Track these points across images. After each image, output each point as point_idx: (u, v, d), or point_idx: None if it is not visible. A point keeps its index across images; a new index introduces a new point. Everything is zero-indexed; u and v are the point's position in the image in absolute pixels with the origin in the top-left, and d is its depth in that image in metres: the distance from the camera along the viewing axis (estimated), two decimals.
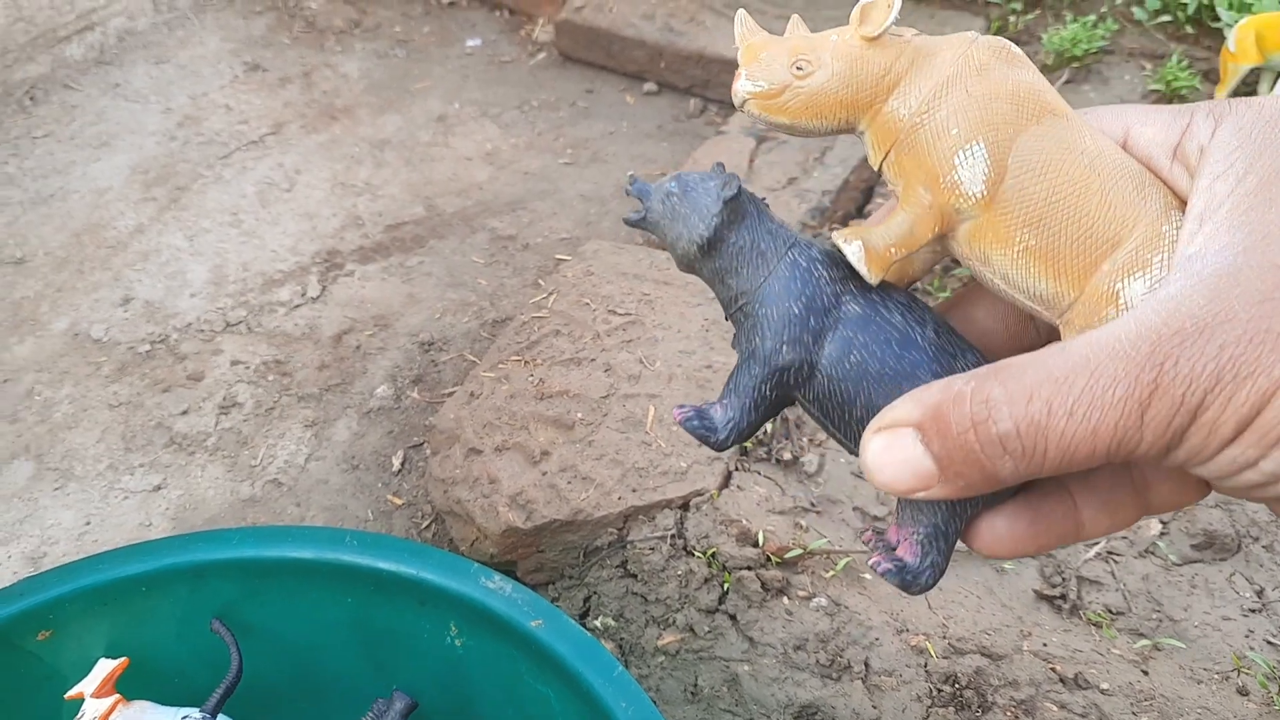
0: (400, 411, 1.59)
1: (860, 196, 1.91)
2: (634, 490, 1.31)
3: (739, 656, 1.18)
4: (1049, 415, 0.32)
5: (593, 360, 1.49)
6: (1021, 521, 0.40)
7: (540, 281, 1.79)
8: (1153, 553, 1.29)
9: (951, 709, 1.12)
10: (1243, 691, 1.14)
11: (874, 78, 0.39)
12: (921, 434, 0.35)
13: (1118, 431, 0.31)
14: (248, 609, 1.06)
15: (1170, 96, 2.03)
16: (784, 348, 0.41)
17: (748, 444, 1.37)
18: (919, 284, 1.38)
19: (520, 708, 1.03)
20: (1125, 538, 1.31)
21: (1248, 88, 1.95)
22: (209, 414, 1.58)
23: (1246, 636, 1.21)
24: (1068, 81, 2.12)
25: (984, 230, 0.38)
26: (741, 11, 0.43)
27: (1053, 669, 1.15)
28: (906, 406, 0.36)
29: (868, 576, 1.24)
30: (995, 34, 2.24)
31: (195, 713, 0.99)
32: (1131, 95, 2.08)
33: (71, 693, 0.98)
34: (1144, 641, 1.19)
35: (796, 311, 0.41)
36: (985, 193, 0.37)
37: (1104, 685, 1.13)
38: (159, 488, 1.47)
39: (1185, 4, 2.13)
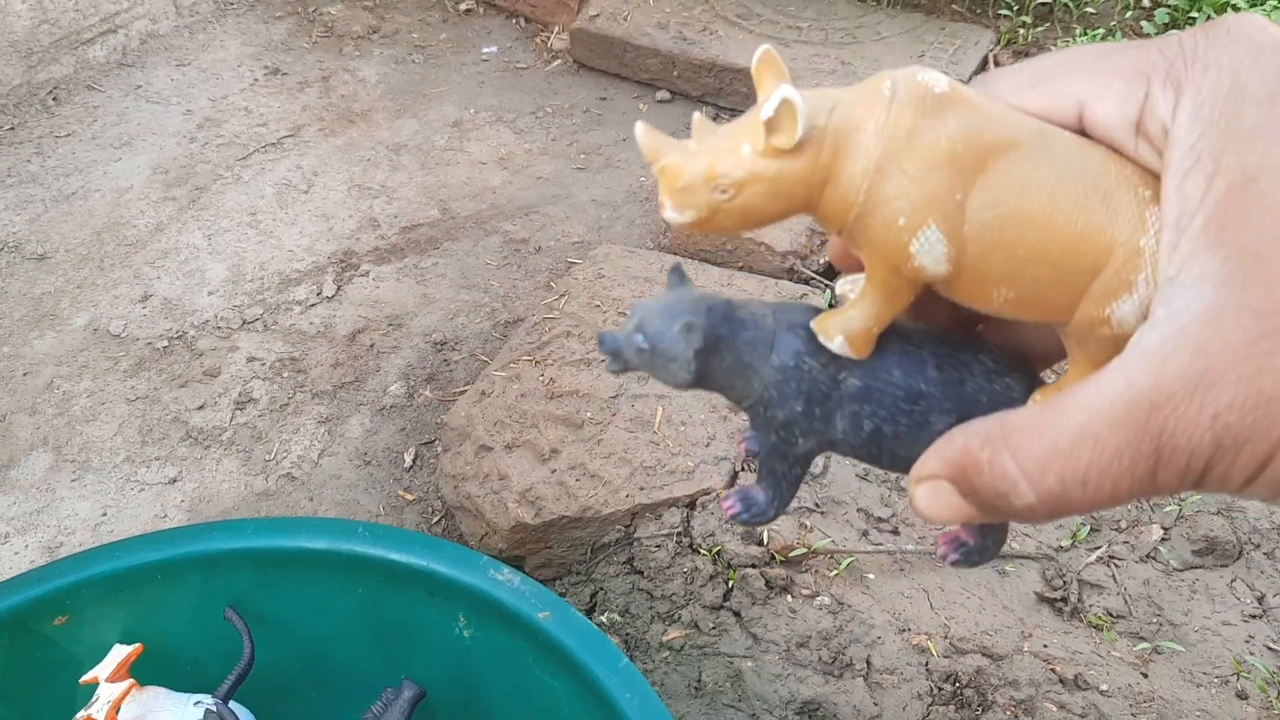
0: (413, 409, 1.61)
1: None
2: (641, 488, 1.33)
3: (742, 653, 1.19)
4: (1064, 488, 0.33)
5: (602, 361, 1.51)
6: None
7: (552, 284, 1.82)
8: (1154, 558, 1.30)
9: (952, 707, 1.13)
10: (1242, 695, 1.16)
11: (800, 183, 0.36)
12: (958, 489, 0.36)
13: (1134, 491, 0.32)
14: (260, 598, 1.07)
15: None
16: (799, 441, 0.42)
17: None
18: None
19: (527, 698, 1.05)
20: (1127, 543, 1.32)
21: None
22: (225, 409, 1.60)
23: (1247, 642, 1.22)
24: None
25: (958, 290, 0.37)
26: (639, 124, 0.39)
27: (1053, 670, 1.16)
28: (935, 463, 0.37)
29: (871, 576, 1.26)
30: (1005, 45, 2.27)
31: (208, 699, 1.01)
32: None
33: (86, 677, 0.99)
34: (1144, 645, 1.20)
35: (800, 409, 0.41)
36: (950, 269, 0.36)
37: (1103, 686, 1.15)
38: (175, 480, 1.49)
39: (1194, 18, 2.15)
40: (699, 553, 1.28)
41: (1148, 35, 2.24)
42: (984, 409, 0.39)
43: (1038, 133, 0.36)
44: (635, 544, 1.31)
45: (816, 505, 1.34)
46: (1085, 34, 2.22)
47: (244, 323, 1.76)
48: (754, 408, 0.42)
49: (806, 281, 1.71)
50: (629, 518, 1.32)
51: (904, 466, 0.41)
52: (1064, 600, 1.26)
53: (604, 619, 1.27)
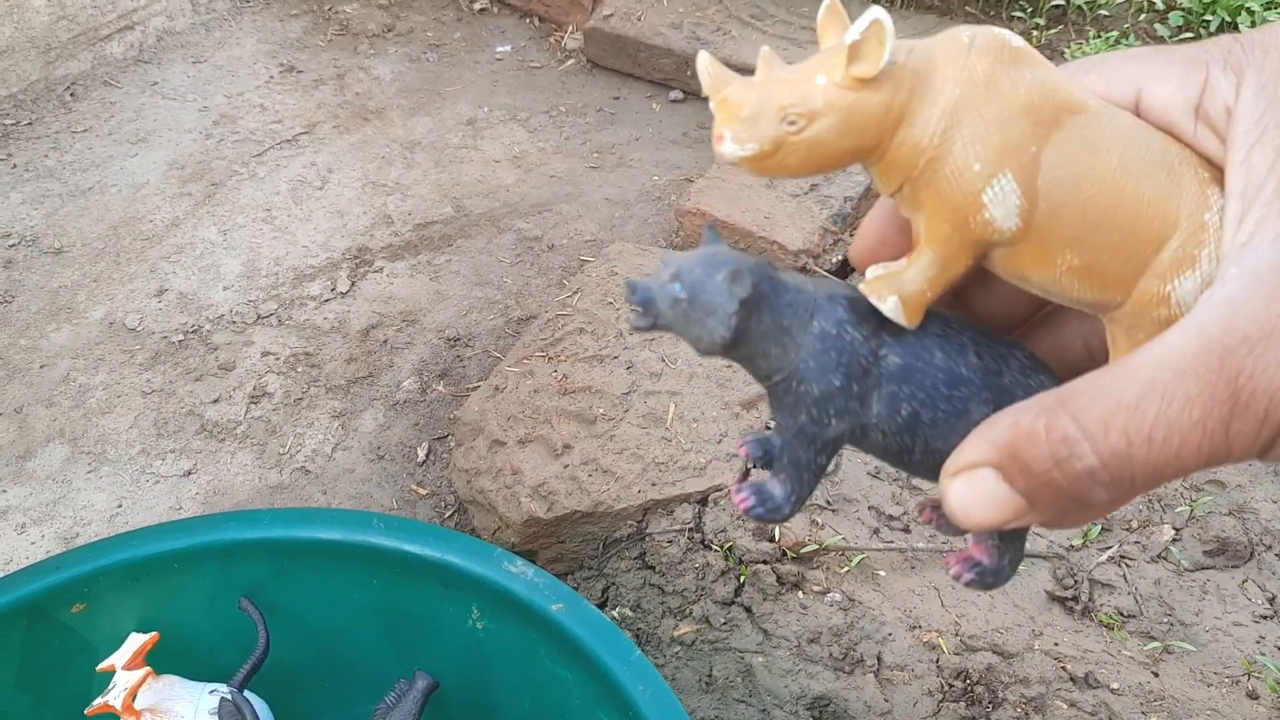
0: (426, 404, 1.62)
1: None
2: (654, 484, 1.34)
3: (753, 648, 1.20)
4: (1129, 445, 0.31)
5: (615, 358, 1.52)
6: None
7: (565, 281, 1.82)
8: (1165, 558, 1.31)
9: (962, 704, 1.14)
10: (1253, 695, 1.16)
11: (875, 119, 0.34)
12: (1001, 472, 0.34)
13: (1203, 450, 0.30)
14: (275, 589, 1.08)
15: None
16: (832, 422, 0.39)
17: None
18: None
19: (539, 690, 1.06)
20: (1138, 543, 1.32)
21: None
22: (239, 403, 1.61)
23: (1258, 642, 1.22)
24: None
25: (1021, 255, 0.35)
26: (704, 54, 0.37)
27: (1063, 668, 1.17)
28: (979, 448, 0.34)
29: (882, 573, 1.26)
30: None
31: (223, 687, 1.02)
32: None
33: (103, 665, 1.00)
34: (1155, 644, 1.21)
35: (838, 384, 0.38)
36: (1020, 224, 0.34)
37: (1114, 685, 1.15)
38: (189, 473, 1.50)
39: (1208, 21, 2.15)
40: (710, 548, 1.28)
41: (1162, 38, 2.24)
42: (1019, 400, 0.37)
43: (1103, 103, 0.35)
44: (647, 539, 1.31)
45: (828, 503, 1.35)
46: (1099, 36, 2.22)
47: (259, 317, 1.77)
48: (784, 383, 0.39)
49: None
50: (641, 513, 1.33)
51: (934, 462, 0.38)
52: (1075, 599, 1.26)
53: (615, 614, 1.27)
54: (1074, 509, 0.33)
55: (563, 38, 2.63)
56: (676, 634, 1.23)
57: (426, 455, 1.54)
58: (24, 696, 1.04)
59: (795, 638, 1.20)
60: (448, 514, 1.45)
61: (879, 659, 1.18)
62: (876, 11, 0.33)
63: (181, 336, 1.73)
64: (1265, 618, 1.25)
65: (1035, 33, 2.30)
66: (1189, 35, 2.21)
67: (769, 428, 0.46)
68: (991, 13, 2.38)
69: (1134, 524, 1.35)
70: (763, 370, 0.40)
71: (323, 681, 1.12)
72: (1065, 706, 1.13)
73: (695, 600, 1.25)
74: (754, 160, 0.35)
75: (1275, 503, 1.36)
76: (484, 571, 1.04)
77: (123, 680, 0.98)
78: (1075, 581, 1.28)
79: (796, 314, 0.39)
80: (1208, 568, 1.30)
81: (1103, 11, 2.31)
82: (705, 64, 0.37)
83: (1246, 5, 2.11)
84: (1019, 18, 2.34)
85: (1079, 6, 2.30)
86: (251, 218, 2.00)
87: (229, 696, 0.99)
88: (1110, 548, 1.31)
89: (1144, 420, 0.30)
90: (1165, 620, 1.24)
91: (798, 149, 0.35)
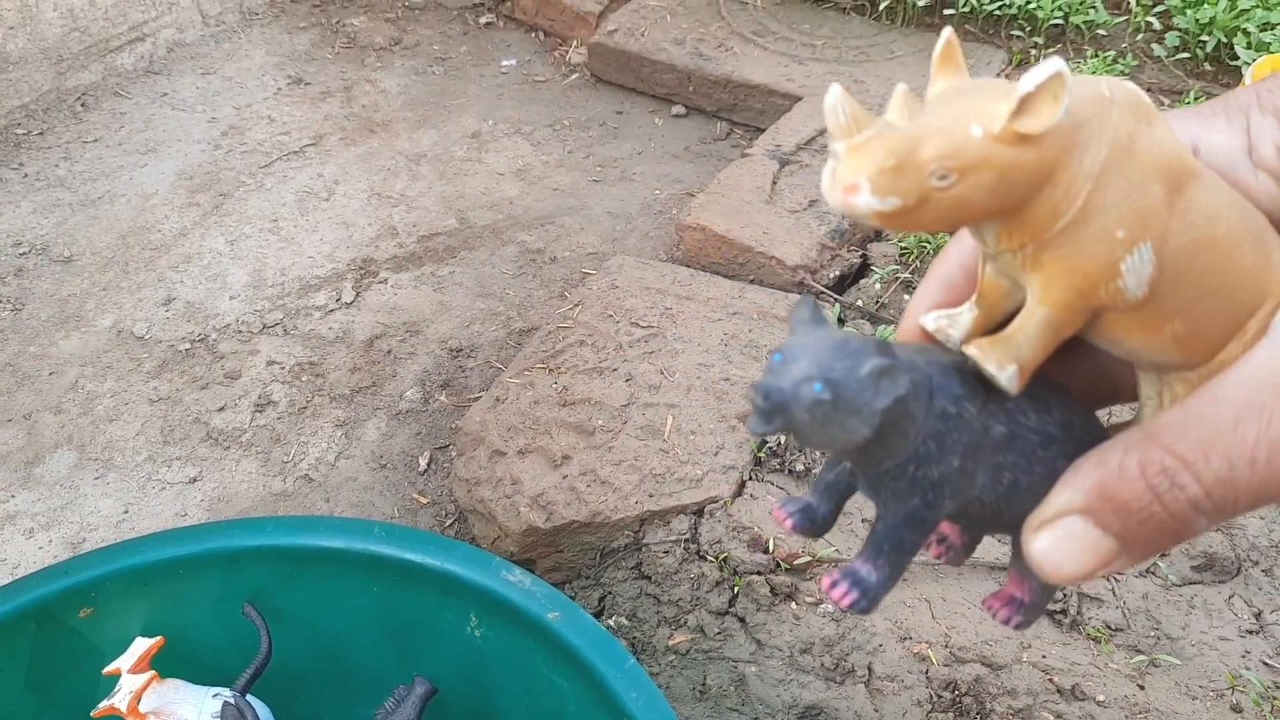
0: (428, 414, 1.65)
1: None
2: (650, 495, 1.36)
3: (747, 657, 1.22)
4: (1232, 469, 0.30)
5: (615, 370, 1.55)
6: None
7: (566, 294, 1.85)
8: (1153, 573, 1.33)
9: (951, 714, 1.16)
10: (1236, 709, 1.18)
11: (1029, 178, 0.31)
12: (1092, 517, 0.33)
13: None
14: (279, 595, 1.10)
15: None
16: (945, 504, 0.37)
17: (761, 455, 1.42)
18: None
19: (536, 696, 1.08)
20: None
21: None
22: (245, 411, 1.64)
23: (1243, 657, 1.24)
24: None
25: (1130, 322, 0.34)
26: (836, 89, 0.33)
27: (1050, 680, 1.19)
28: (1066, 495, 0.34)
29: None
30: (1016, 66, 2.30)
31: (226, 691, 1.04)
32: None
33: (109, 668, 1.02)
34: (1141, 657, 1.23)
35: (956, 465, 0.36)
36: (1147, 293, 0.33)
37: (1100, 697, 1.17)
38: (195, 480, 1.53)
39: (1204, 41, 2.18)
40: (706, 559, 1.30)
41: (1159, 58, 2.27)
42: (1088, 450, 0.35)
43: (1201, 164, 0.33)
44: (644, 549, 1.34)
45: None
46: (1096, 55, 2.25)
47: (264, 327, 1.80)
48: (899, 467, 0.36)
49: (817, 296, 1.74)
50: (638, 524, 1.35)
51: (1019, 522, 0.36)
52: (1064, 613, 1.28)
53: (612, 622, 1.30)
54: (1171, 542, 0.33)
55: (567, 52, 2.66)
56: (671, 643, 1.25)
57: (428, 464, 1.56)
58: (31, 698, 1.06)
59: (788, 648, 1.22)
60: (448, 522, 1.48)
61: (869, 669, 1.20)
62: (1057, 64, 0.30)
63: (188, 345, 1.76)
64: (1250, 633, 1.27)
65: (1034, 51, 2.32)
66: (1185, 55, 2.23)
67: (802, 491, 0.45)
68: (991, 32, 2.41)
69: None
70: (876, 458, 0.36)
71: (324, 686, 1.14)
72: (1052, 718, 1.15)
73: (690, 610, 1.28)
74: (890, 216, 0.32)
75: (1263, 519, 1.38)
76: (483, 580, 1.06)
77: (128, 683, 1.00)
78: (1064, 595, 1.30)
79: (919, 395, 0.36)
80: (1195, 583, 1.33)
81: (1100, 31, 2.33)
82: (838, 102, 0.33)
83: (1243, 26, 2.14)
84: (1018, 36, 2.37)
85: (1077, 26, 2.33)
86: (258, 228, 2.03)
87: (232, 700, 1.01)
88: None
89: (1245, 442, 0.30)
90: (1152, 634, 1.26)
91: (941, 205, 0.32)
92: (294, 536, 1.11)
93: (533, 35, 2.75)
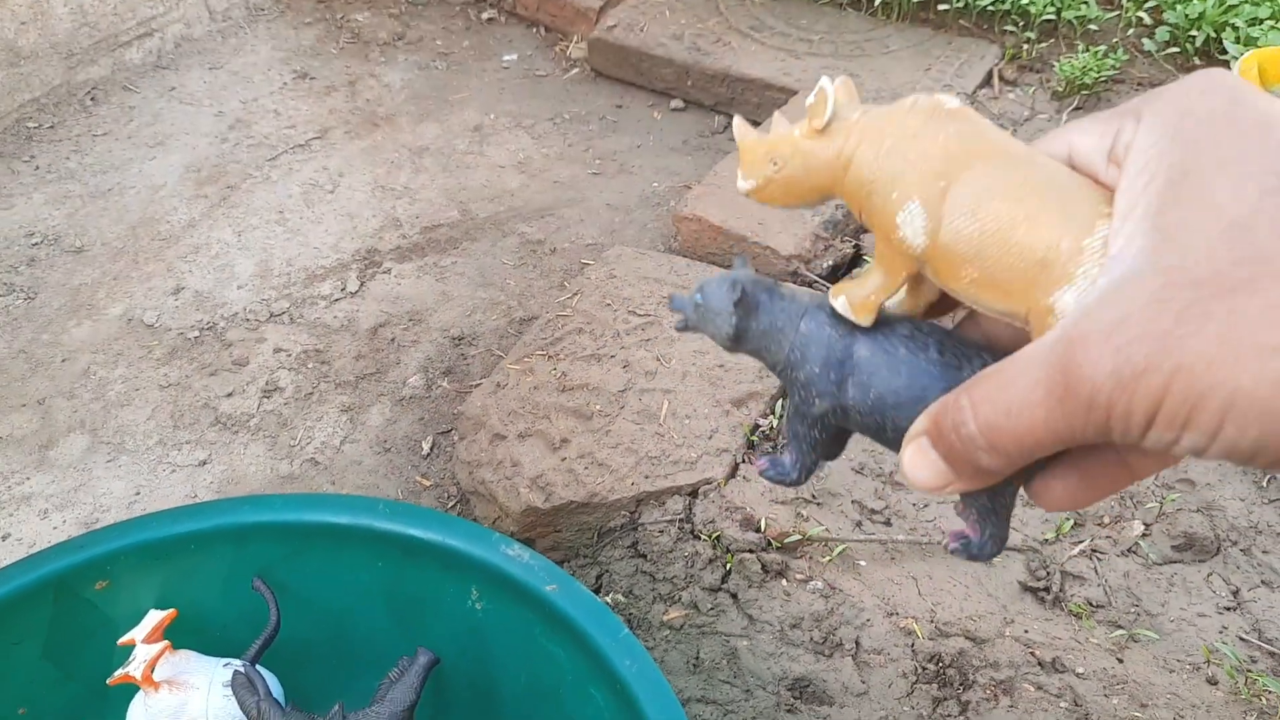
0: (431, 400, 1.69)
1: None
2: (646, 477, 1.40)
3: (738, 632, 1.26)
4: (994, 415, 0.37)
5: (612, 357, 1.59)
6: (1072, 478, 0.43)
7: (565, 283, 1.89)
8: (1135, 552, 1.37)
9: (935, 685, 1.20)
10: (1211, 681, 1.22)
11: (828, 162, 0.45)
12: (930, 440, 0.41)
13: (1047, 425, 0.36)
14: (286, 570, 1.14)
15: None
16: (815, 400, 0.47)
17: (754, 438, 1.46)
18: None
19: (534, 666, 1.11)
20: (1109, 537, 1.38)
21: None
22: (252, 397, 1.68)
23: (1220, 632, 1.28)
24: (1077, 108, 2.20)
25: (938, 269, 0.42)
26: (737, 118, 0.50)
27: (1032, 653, 1.23)
28: (921, 421, 0.42)
29: (862, 563, 1.32)
30: (1010, 60, 2.33)
31: (236, 661, 1.08)
32: None
33: (124, 639, 1.06)
34: (1120, 632, 1.27)
35: (817, 371, 0.47)
36: (927, 242, 0.42)
37: (1080, 670, 1.21)
38: (204, 463, 1.57)
39: (1193, 36, 2.21)
40: (699, 538, 1.35)
41: (1149, 53, 2.30)
42: None
43: (1028, 153, 0.42)
44: (639, 529, 1.38)
45: (813, 497, 1.41)
46: (1088, 50, 2.28)
47: (271, 315, 1.84)
48: (783, 371, 0.49)
49: (810, 284, 1.78)
50: (634, 504, 1.39)
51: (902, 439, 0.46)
52: (1046, 590, 1.32)
53: (609, 599, 1.34)
54: (973, 471, 0.40)
55: (568, 47, 2.70)
56: (666, 618, 1.30)
57: (430, 448, 1.60)
58: (50, 668, 1.11)
59: (778, 622, 1.26)
60: (450, 504, 1.52)
61: (857, 643, 1.24)
62: (823, 81, 0.45)
63: (197, 333, 1.80)
64: (1228, 609, 1.31)
65: (1026, 46, 2.36)
66: (1175, 50, 2.27)
67: (772, 449, 0.59)
68: (985, 26, 2.44)
69: (1106, 519, 1.41)
70: (768, 361, 0.50)
71: (329, 658, 1.18)
72: (1032, 689, 1.19)
73: (684, 587, 1.32)
74: (753, 192, 0.48)
75: (1242, 500, 1.42)
76: (483, 555, 1.10)
77: (142, 653, 1.04)
78: (1048, 573, 1.34)
79: (789, 316, 0.49)
80: (1175, 561, 1.37)
81: (1092, 26, 2.37)
82: (737, 124, 0.49)
83: (1231, 21, 2.17)
84: (1011, 32, 2.41)
85: (1069, 21, 2.37)
86: (265, 219, 2.08)
87: (242, 669, 1.05)
88: (1082, 542, 1.37)
89: (1007, 395, 0.37)
90: (1132, 610, 1.30)
91: (777, 184, 0.47)
92: (300, 513, 1.15)
93: (533, 30, 2.79)
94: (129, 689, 1.07)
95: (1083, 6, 2.35)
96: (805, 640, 1.24)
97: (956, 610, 1.28)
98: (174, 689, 1.06)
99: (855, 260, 1.86)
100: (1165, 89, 0.39)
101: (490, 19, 2.83)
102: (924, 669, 1.22)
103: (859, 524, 1.38)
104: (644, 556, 1.37)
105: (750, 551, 1.32)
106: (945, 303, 0.48)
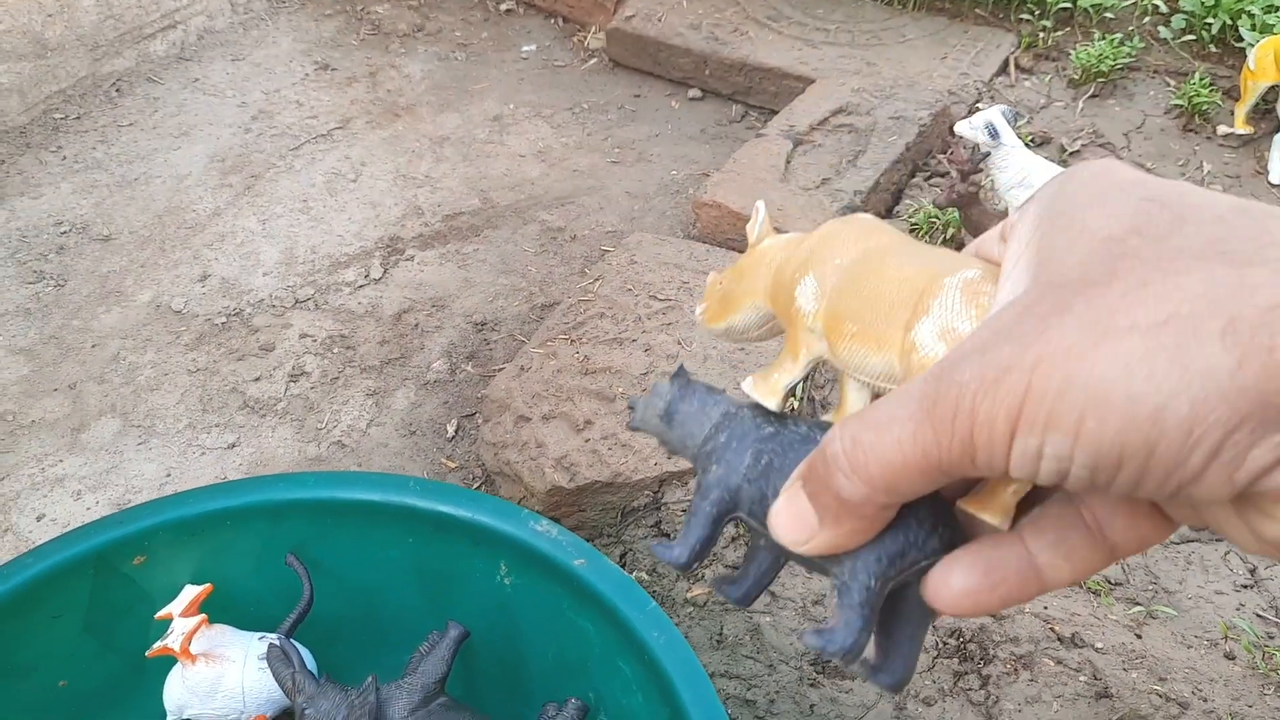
0: (455, 384, 1.71)
1: (890, 198, 2.02)
2: (669, 457, 1.42)
3: (761, 609, 1.28)
4: (863, 432, 0.36)
5: (634, 341, 1.61)
6: (975, 573, 0.39)
7: (586, 270, 1.91)
8: None
9: (956, 660, 1.22)
10: (1229, 656, 1.23)
11: (759, 269, 0.51)
12: (802, 481, 0.39)
13: (914, 441, 0.34)
14: (318, 547, 1.16)
15: (1192, 112, 2.12)
16: (714, 469, 0.47)
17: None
18: None
19: (562, 640, 1.13)
20: None
21: (1267, 104, 2.04)
22: (279, 381, 1.71)
23: (1237, 609, 1.30)
24: (1093, 96, 2.21)
25: (829, 333, 0.45)
26: (712, 274, 0.56)
27: (1051, 629, 1.25)
28: (798, 468, 0.41)
29: None
30: (1025, 49, 2.35)
31: (271, 635, 1.10)
32: (1155, 110, 2.18)
33: (161, 613, 1.09)
34: (1139, 609, 1.28)
35: (723, 441, 0.47)
36: (817, 306, 0.45)
37: (1099, 644, 1.23)
38: (233, 446, 1.60)
39: (1209, 24, 2.22)
40: None
41: (1165, 40, 2.31)
42: None
43: (917, 246, 0.46)
44: (662, 508, 1.40)
45: None
46: (1104, 38, 2.29)
47: (296, 302, 1.87)
48: (698, 456, 0.49)
49: None
50: (657, 484, 1.41)
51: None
52: None
53: (634, 577, 1.36)
54: (837, 507, 0.38)
55: (586, 38, 2.72)
56: (689, 596, 1.32)
57: (455, 431, 1.63)
58: (90, 641, 1.13)
59: (800, 599, 1.28)
60: (476, 486, 1.54)
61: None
62: (759, 205, 0.53)
63: (224, 319, 1.83)
64: (1245, 587, 1.33)
65: (1042, 34, 2.37)
66: (1190, 38, 2.28)
67: (734, 568, 0.61)
68: (1001, 15, 2.45)
69: None
70: (689, 452, 0.50)
71: (361, 634, 1.20)
72: (1052, 663, 1.21)
73: (707, 565, 1.34)
74: (704, 315, 0.55)
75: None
76: (512, 530, 1.12)
77: (180, 626, 1.06)
78: None
79: (708, 409, 0.49)
80: (1193, 540, 1.38)
81: (1108, 14, 2.38)
82: (710, 280, 0.56)
83: (1247, 9, 2.18)
84: (1027, 20, 2.42)
85: (1085, 9, 2.37)
86: (289, 208, 2.10)
87: (277, 642, 1.07)
88: None
89: (876, 415, 0.36)
90: (1150, 588, 1.32)
91: (718, 297, 0.53)
92: (332, 490, 1.17)
93: (552, 21, 2.81)
94: (166, 662, 1.09)
95: None
96: (827, 617, 1.26)
97: None
98: (210, 662, 1.08)
99: None
100: (1054, 178, 0.40)
101: (508, 10, 2.85)
102: (945, 644, 1.24)
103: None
104: (667, 535, 1.39)
105: None
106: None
